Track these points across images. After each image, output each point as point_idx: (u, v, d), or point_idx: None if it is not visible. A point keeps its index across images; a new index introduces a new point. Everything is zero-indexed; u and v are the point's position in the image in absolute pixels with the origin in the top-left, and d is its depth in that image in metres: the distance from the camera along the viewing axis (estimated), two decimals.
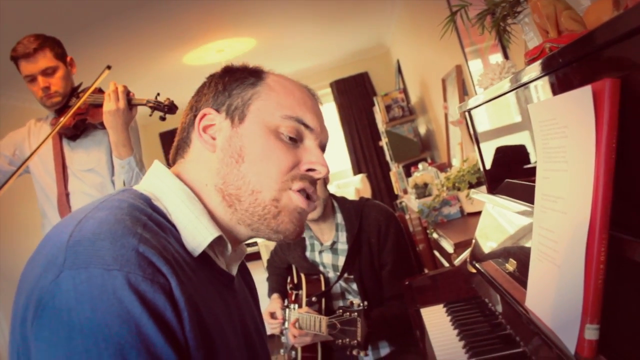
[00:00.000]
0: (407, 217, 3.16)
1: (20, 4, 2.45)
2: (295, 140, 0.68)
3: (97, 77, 1.67)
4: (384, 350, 1.62)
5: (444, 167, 3.14)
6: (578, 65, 0.66)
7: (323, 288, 1.64)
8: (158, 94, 1.63)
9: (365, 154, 5.86)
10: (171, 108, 1.62)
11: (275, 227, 0.66)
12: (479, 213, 1.30)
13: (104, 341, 0.47)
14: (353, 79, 5.91)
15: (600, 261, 0.57)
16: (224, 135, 0.67)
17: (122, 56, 3.78)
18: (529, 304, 0.75)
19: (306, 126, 0.69)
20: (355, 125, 5.91)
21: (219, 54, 4.30)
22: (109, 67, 1.67)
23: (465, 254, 1.32)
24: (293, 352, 1.70)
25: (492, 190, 1.20)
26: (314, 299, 1.60)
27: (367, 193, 5.37)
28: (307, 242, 1.71)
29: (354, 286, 1.62)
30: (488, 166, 1.25)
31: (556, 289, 0.65)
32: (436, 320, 1.21)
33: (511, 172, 1.11)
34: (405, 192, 3.68)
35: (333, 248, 1.64)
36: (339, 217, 1.64)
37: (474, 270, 1.15)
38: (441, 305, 1.28)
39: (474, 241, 1.22)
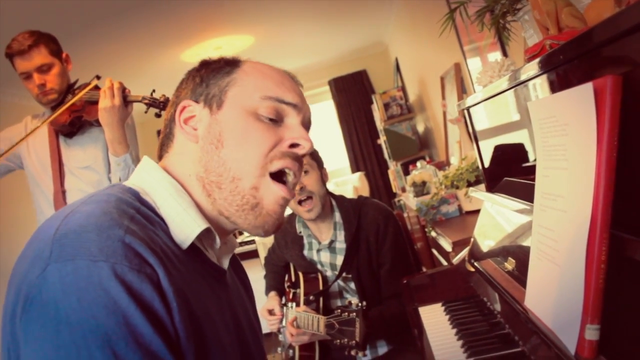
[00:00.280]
0: (405, 215, 3.15)
1: (19, 2, 2.43)
2: (276, 121, 0.67)
3: (86, 86, 1.69)
4: (382, 349, 1.62)
5: (442, 165, 3.14)
6: (579, 63, 0.65)
7: (321, 287, 1.63)
8: (153, 91, 1.62)
9: (364, 152, 5.86)
10: (166, 105, 1.61)
11: (253, 221, 0.66)
12: (477, 211, 1.29)
13: (91, 333, 0.47)
14: (351, 77, 5.90)
15: (601, 260, 0.57)
16: (204, 124, 0.67)
17: (119, 53, 3.77)
18: (528, 304, 0.74)
19: (287, 104, 0.68)
20: (353, 123, 5.90)
21: (217, 51, 4.28)
22: (97, 77, 1.70)
23: (464, 252, 1.31)
24: (290, 351, 1.70)
25: (490, 189, 1.19)
26: (311, 297, 1.59)
27: (366, 191, 5.36)
28: (305, 241, 1.70)
29: (352, 285, 1.61)
30: (487, 164, 1.24)
31: (556, 288, 0.65)
32: (434, 319, 1.20)
33: (510, 171, 1.10)
34: (404, 190, 3.68)
35: (331, 247, 1.63)
36: (337, 216, 1.63)
37: (472, 269, 1.14)
38: (439, 304, 1.28)
39: (472, 240, 1.22)
